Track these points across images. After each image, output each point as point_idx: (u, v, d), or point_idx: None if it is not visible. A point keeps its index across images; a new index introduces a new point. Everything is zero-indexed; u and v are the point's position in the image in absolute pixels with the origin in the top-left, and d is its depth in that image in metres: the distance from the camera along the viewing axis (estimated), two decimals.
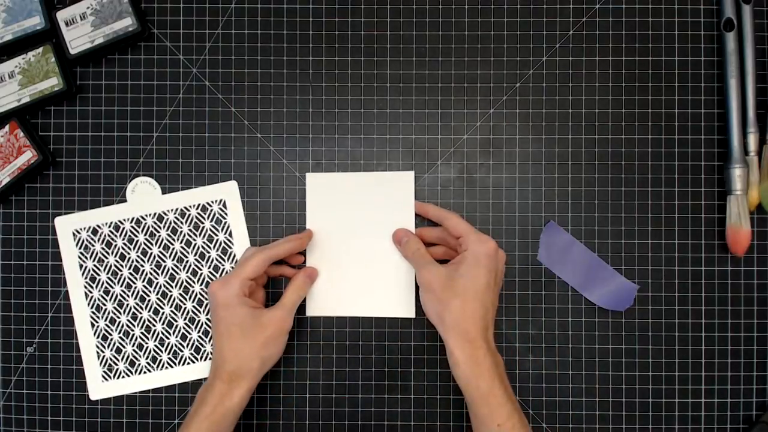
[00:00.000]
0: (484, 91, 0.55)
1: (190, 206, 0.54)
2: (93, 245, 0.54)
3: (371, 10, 0.55)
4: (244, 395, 0.48)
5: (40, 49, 0.53)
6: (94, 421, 0.54)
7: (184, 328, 0.54)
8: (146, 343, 0.54)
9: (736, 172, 0.52)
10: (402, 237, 0.52)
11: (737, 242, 0.52)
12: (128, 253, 0.54)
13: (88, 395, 0.54)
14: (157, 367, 0.54)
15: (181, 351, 0.54)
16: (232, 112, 0.55)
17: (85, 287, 0.54)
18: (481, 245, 0.48)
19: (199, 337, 0.54)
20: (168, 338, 0.54)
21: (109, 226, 0.54)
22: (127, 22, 0.53)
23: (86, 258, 0.54)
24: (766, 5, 0.54)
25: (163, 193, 0.54)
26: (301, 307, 0.54)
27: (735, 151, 0.52)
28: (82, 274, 0.54)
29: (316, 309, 0.54)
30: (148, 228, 0.54)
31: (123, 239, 0.54)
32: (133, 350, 0.54)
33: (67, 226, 0.54)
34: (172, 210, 0.54)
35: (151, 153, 0.55)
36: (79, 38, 0.53)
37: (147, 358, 0.54)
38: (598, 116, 0.54)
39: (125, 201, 0.54)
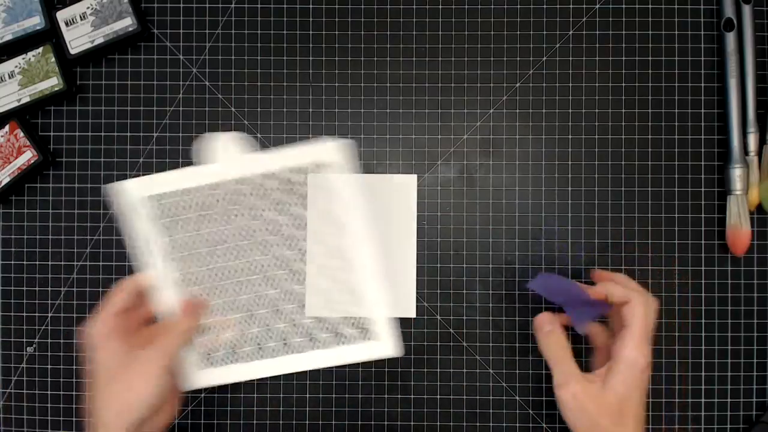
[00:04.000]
0: (484, 91, 0.55)
1: (287, 168, 0.48)
2: (163, 212, 0.49)
3: (371, 10, 0.55)
4: None
5: (40, 49, 0.53)
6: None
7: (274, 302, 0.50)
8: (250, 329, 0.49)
9: (736, 172, 0.52)
10: (544, 325, 0.44)
11: (737, 242, 0.52)
12: (202, 221, 0.49)
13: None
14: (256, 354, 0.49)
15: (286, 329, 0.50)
16: (232, 112, 0.55)
17: (154, 257, 0.49)
18: (640, 353, 0.40)
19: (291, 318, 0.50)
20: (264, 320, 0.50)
21: (183, 194, 0.49)
22: (127, 22, 0.53)
23: (152, 224, 0.49)
24: (766, 5, 0.54)
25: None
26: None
27: (735, 151, 0.52)
28: (149, 242, 0.49)
29: (316, 310, 0.54)
30: (228, 194, 0.49)
31: (198, 206, 0.49)
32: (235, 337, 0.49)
33: (135, 190, 0.48)
34: (259, 174, 0.48)
35: (151, 153, 0.55)
36: (79, 38, 0.53)
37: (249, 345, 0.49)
38: (598, 116, 0.54)
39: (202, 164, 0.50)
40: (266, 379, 0.54)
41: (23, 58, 0.53)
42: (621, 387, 0.40)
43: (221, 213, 0.49)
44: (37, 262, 0.55)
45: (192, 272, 0.49)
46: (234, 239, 0.49)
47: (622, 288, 0.44)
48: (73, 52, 0.53)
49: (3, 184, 0.53)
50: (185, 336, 0.46)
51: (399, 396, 0.54)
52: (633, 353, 0.40)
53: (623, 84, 0.54)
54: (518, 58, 0.54)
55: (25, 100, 0.53)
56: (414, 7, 0.55)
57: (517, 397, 0.54)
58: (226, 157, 0.48)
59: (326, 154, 0.49)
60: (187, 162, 0.54)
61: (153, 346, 0.43)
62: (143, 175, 0.54)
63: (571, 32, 0.55)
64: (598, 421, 0.40)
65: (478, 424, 0.54)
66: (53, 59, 0.53)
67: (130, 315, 0.46)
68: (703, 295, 0.54)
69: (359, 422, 0.54)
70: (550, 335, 0.44)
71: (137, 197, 0.49)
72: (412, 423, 0.54)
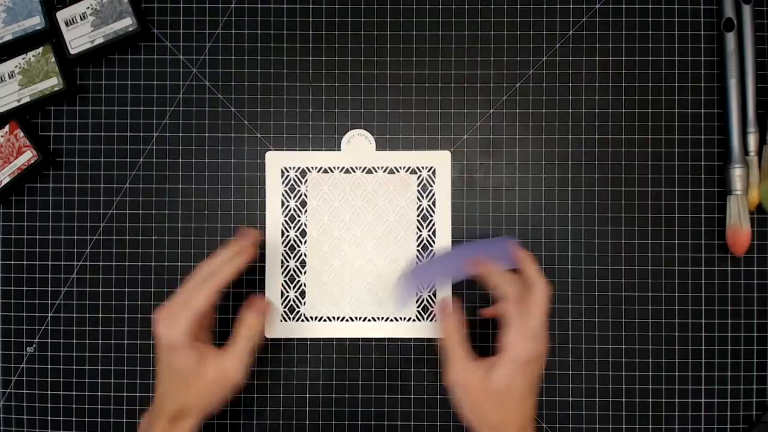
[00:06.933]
0: (484, 91, 0.55)
1: (400, 167, 0.54)
2: (299, 186, 0.54)
3: (371, 10, 0.55)
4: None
5: (40, 49, 0.53)
6: (94, 422, 0.54)
7: (371, 283, 0.54)
8: (332, 292, 0.54)
9: (736, 172, 0.52)
10: (441, 311, 0.48)
11: (737, 242, 0.52)
12: (332, 200, 0.54)
13: (87, 395, 0.54)
14: (338, 317, 0.54)
15: (363, 306, 0.54)
16: (232, 112, 0.55)
17: (283, 225, 0.54)
18: (523, 348, 0.43)
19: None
20: (355, 290, 0.54)
21: (319, 171, 0.54)
22: (127, 22, 0.53)
23: (290, 197, 0.54)
24: (766, 5, 0.54)
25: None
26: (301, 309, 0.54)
27: (735, 151, 0.52)
28: (283, 212, 0.54)
29: (315, 310, 0.54)
30: (356, 180, 0.54)
31: (329, 185, 0.54)
32: (318, 296, 0.54)
33: (277, 161, 0.54)
34: (382, 167, 0.54)
35: (151, 153, 0.55)
36: (79, 38, 0.53)
37: (330, 306, 0.54)
38: (598, 116, 0.54)
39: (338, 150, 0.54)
40: (266, 378, 0.54)
41: (23, 58, 0.53)
42: (502, 378, 0.43)
43: (346, 199, 0.54)
44: (37, 262, 0.55)
45: (315, 238, 0.54)
46: (350, 222, 0.54)
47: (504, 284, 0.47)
48: (73, 52, 0.53)
49: (3, 184, 0.53)
50: (255, 336, 0.47)
51: (399, 396, 0.54)
52: (514, 348, 0.44)
53: (623, 84, 0.54)
54: (518, 58, 0.54)
55: (25, 100, 0.53)
56: (414, 7, 0.55)
57: None
58: (361, 150, 0.53)
59: (437, 161, 0.54)
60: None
61: (230, 353, 0.45)
62: (143, 174, 0.54)
63: (571, 32, 0.55)
64: (479, 403, 0.44)
65: None
66: (53, 59, 0.53)
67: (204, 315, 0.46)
68: (703, 295, 0.54)
69: (359, 422, 0.54)
70: (448, 321, 0.47)
71: (280, 166, 0.54)
72: (412, 423, 0.54)
